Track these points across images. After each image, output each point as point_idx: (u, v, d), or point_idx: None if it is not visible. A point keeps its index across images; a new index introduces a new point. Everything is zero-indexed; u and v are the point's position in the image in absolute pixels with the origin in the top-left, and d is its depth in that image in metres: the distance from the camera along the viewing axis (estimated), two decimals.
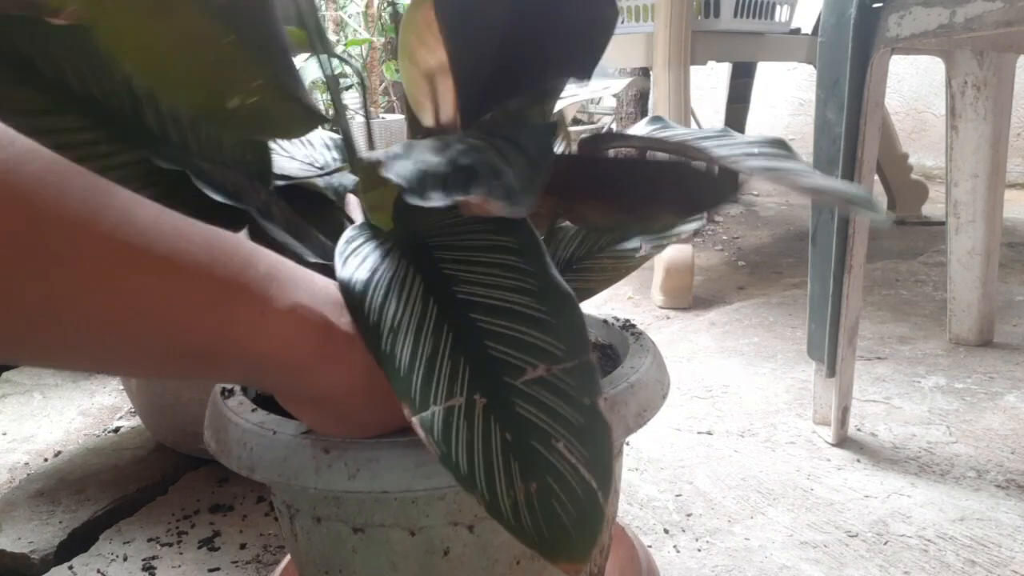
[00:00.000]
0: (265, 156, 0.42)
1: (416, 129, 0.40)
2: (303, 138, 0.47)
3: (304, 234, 0.41)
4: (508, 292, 0.32)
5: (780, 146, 0.36)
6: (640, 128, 0.42)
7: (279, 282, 0.32)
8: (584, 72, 0.37)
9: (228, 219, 0.37)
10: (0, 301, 0.25)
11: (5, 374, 1.12)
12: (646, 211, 0.40)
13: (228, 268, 0.31)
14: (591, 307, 0.57)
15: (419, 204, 0.26)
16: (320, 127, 0.40)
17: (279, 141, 0.46)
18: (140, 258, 0.28)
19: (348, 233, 0.36)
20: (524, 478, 0.28)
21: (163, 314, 0.29)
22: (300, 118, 0.38)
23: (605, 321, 0.53)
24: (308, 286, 0.33)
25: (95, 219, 0.27)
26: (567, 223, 0.47)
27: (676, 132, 0.41)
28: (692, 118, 1.75)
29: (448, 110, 0.39)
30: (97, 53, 0.36)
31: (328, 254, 0.37)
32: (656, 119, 0.42)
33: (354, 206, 0.46)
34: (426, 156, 0.28)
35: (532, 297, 0.31)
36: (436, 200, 0.26)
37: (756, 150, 0.35)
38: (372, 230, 0.37)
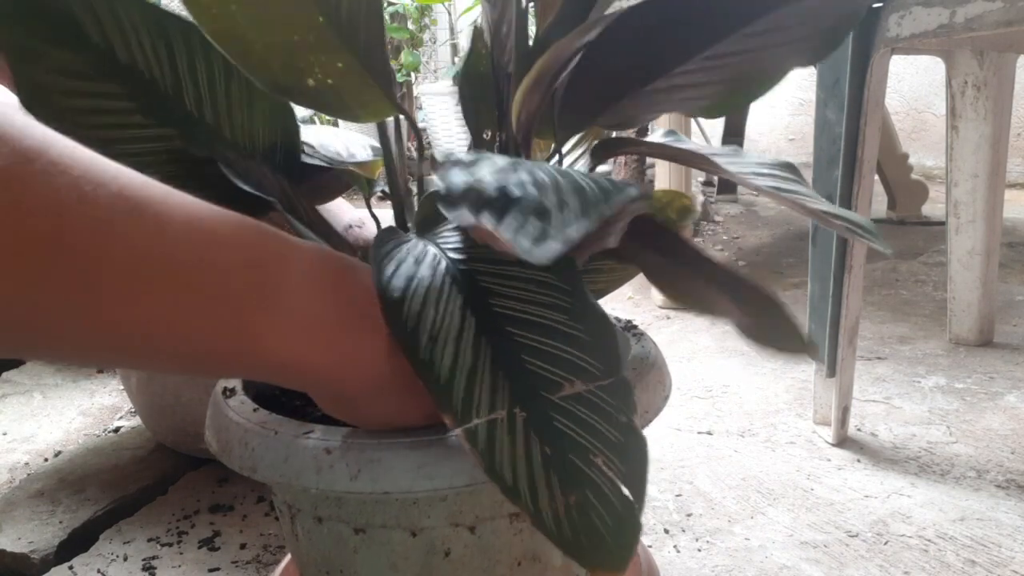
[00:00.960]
0: (296, 144, 0.42)
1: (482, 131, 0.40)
2: (341, 138, 0.47)
3: (324, 231, 0.41)
4: (544, 308, 0.32)
5: (788, 169, 0.36)
6: (656, 137, 0.43)
7: (311, 281, 0.32)
8: (718, 109, 0.37)
9: (250, 207, 0.37)
10: (22, 306, 0.25)
11: (5, 374, 1.12)
12: (705, 304, 0.40)
13: (259, 273, 0.31)
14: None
15: (444, 212, 0.26)
16: (393, 116, 0.40)
17: (315, 139, 0.46)
18: (166, 269, 0.28)
19: (379, 235, 0.36)
20: (564, 490, 0.28)
21: (185, 324, 0.29)
22: (374, 104, 0.38)
23: None
24: (344, 281, 0.34)
25: (123, 230, 0.27)
26: None
27: (688, 145, 0.41)
28: (692, 118, 1.74)
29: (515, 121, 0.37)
30: (151, 26, 0.36)
31: (343, 251, 0.37)
32: (670, 132, 0.43)
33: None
34: (483, 173, 0.27)
35: (567, 314, 0.31)
36: (460, 218, 0.26)
37: (765, 171, 0.35)
38: (403, 234, 0.38)
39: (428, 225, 0.38)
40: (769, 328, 0.36)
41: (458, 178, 0.27)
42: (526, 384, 0.30)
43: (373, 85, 0.37)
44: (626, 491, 0.28)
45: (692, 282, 0.36)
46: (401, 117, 0.41)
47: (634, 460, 0.29)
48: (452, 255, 0.35)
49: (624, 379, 0.30)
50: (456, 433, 0.29)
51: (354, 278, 0.34)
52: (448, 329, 0.31)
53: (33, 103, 0.35)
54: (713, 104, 0.38)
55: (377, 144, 0.46)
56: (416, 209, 0.42)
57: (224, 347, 0.30)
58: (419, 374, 0.31)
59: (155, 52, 0.37)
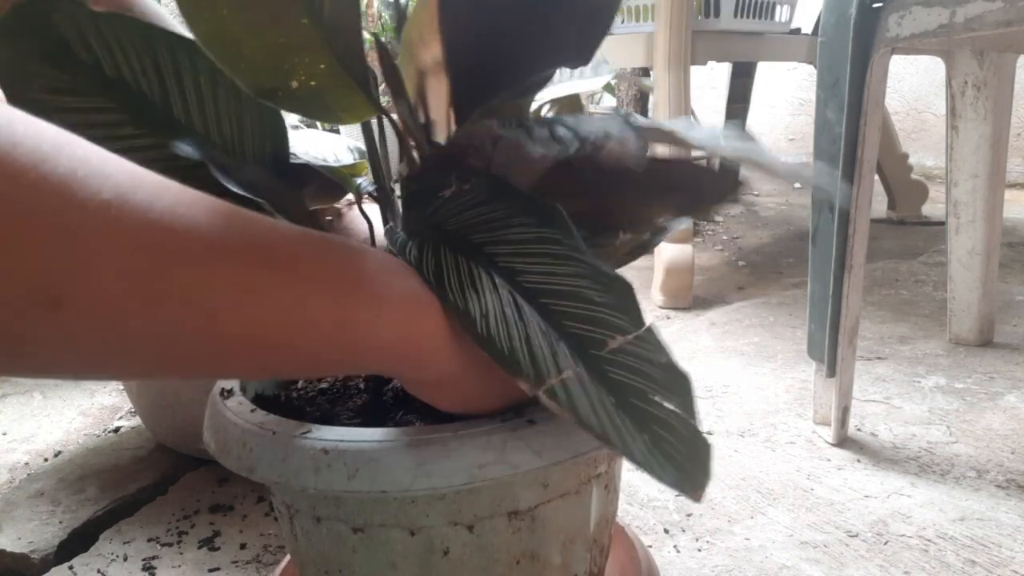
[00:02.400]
0: (285, 149, 0.43)
1: (410, 127, 0.40)
2: (327, 142, 0.47)
3: (318, 229, 0.41)
4: (566, 277, 0.34)
5: (742, 133, 0.37)
6: None
7: (381, 270, 0.34)
8: (583, 59, 0.38)
9: (258, 209, 0.37)
10: (148, 339, 0.27)
11: None
12: (646, 210, 0.40)
13: (340, 266, 0.32)
14: None
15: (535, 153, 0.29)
16: (375, 117, 0.41)
17: (302, 144, 0.46)
18: (269, 265, 0.29)
19: (386, 234, 0.37)
20: (638, 430, 0.31)
21: (294, 319, 0.30)
22: (356, 106, 0.39)
23: None
24: (405, 271, 0.35)
25: (223, 242, 0.28)
26: None
27: (643, 121, 0.41)
28: (692, 118, 1.74)
29: (441, 108, 0.39)
30: (136, 41, 0.37)
31: None
32: (625, 114, 0.43)
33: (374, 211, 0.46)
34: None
35: (587, 280, 0.33)
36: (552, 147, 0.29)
37: (722, 138, 0.36)
38: (405, 233, 0.38)
39: (414, 225, 0.39)
40: None
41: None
42: (575, 345, 0.33)
43: (354, 87, 0.38)
44: (687, 417, 0.32)
45: None
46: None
47: (684, 390, 0.32)
48: (462, 242, 0.36)
49: (651, 328, 0.33)
50: (539, 394, 0.31)
51: (402, 266, 0.36)
52: (493, 307, 0.33)
53: None
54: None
55: (361, 146, 0.46)
56: (400, 210, 0.42)
57: (330, 337, 0.31)
58: (484, 349, 0.33)
59: (141, 65, 0.38)
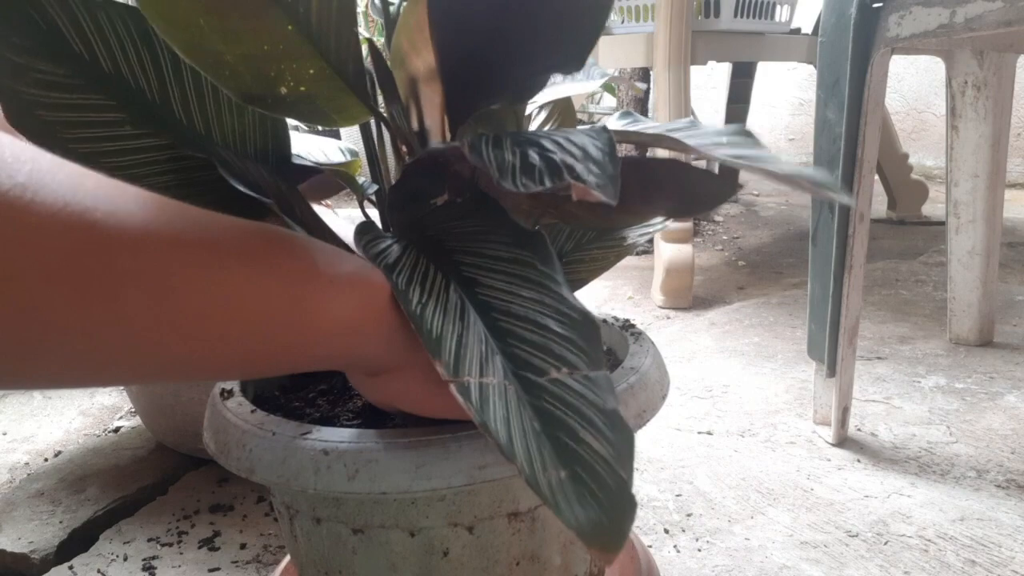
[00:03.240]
0: (286, 148, 0.42)
1: (403, 132, 0.40)
2: (315, 142, 0.47)
3: (320, 228, 0.41)
4: (528, 301, 0.32)
5: (746, 135, 0.36)
6: (612, 123, 0.42)
7: (329, 256, 0.33)
8: (574, 64, 0.37)
9: (249, 210, 0.37)
10: (79, 331, 0.25)
11: None
12: (642, 212, 0.40)
13: (289, 251, 0.32)
14: (590, 307, 0.57)
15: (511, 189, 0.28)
16: (370, 120, 0.40)
17: (298, 145, 0.46)
18: (206, 256, 0.28)
19: (359, 227, 0.37)
20: (557, 463, 0.28)
21: (245, 303, 0.29)
22: (349, 108, 0.39)
23: (604, 321, 0.53)
24: (354, 257, 0.35)
25: (162, 231, 0.27)
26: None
27: (648, 125, 0.40)
28: (693, 118, 1.74)
29: (435, 114, 0.38)
30: (133, 33, 0.36)
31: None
32: (626, 114, 0.42)
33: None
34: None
35: (550, 308, 0.32)
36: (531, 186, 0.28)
37: (724, 139, 0.35)
38: (379, 230, 0.38)
39: (397, 227, 0.39)
40: None
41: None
42: (513, 363, 0.31)
43: (347, 90, 0.37)
44: (618, 469, 0.28)
45: None
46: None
47: (622, 441, 0.29)
48: (433, 244, 0.36)
49: (607, 375, 0.31)
50: (449, 381, 0.29)
51: (352, 255, 0.35)
52: (436, 302, 0.32)
53: (19, 119, 0.34)
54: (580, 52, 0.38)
55: (351, 146, 0.46)
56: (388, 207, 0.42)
57: (284, 318, 0.31)
58: (412, 323, 0.31)
59: (139, 60, 0.36)
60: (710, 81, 2.91)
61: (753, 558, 0.64)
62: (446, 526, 0.38)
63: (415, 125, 0.39)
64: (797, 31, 1.81)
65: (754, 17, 1.52)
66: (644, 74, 1.95)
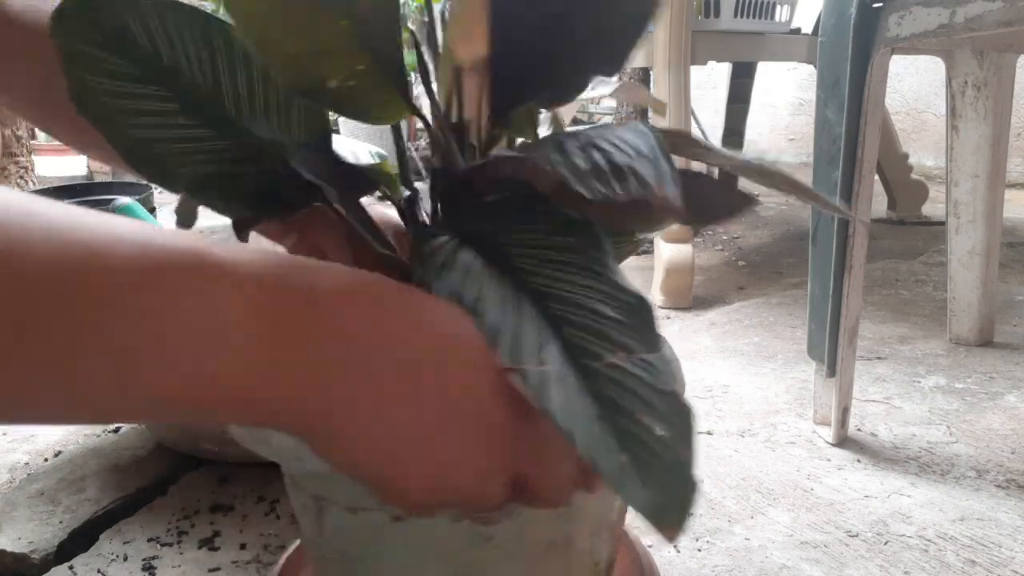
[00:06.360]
0: (330, 145, 0.43)
1: (444, 127, 0.40)
2: (347, 144, 0.48)
3: (367, 221, 0.41)
4: (582, 288, 0.33)
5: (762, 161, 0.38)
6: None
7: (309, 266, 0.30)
8: (617, 65, 0.38)
9: (292, 198, 0.39)
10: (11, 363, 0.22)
11: None
12: (659, 221, 0.41)
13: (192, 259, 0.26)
14: None
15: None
16: (409, 117, 0.41)
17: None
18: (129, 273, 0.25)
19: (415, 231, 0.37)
20: (618, 448, 0.29)
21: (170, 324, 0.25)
22: (391, 106, 0.39)
23: None
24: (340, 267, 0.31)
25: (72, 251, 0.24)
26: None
27: (694, 143, 0.41)
28: (692, 118, 1.75)
29: (475, 109, 0.39)
30: (195, 33, 0.38)
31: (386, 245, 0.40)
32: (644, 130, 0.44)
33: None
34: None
35: (604, 294, 0.32)
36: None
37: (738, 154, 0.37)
38: (436, 229, 0.39)
39: (446, 224, 0.39)
40: None
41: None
42: (569, 351, 0.31)
43: (390, 86, 0.38)
44: (679, 451, 0.29)
45: None
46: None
47: (682, 423, 0.29)
48: (484, 238, 0.36)
49: (665, 355, 0.31)
50: (507, 367, 0.29)
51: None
52: (491, 295, 0.32)
53: (83, 103, 0.37)
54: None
55: (380, 150, 0.47)
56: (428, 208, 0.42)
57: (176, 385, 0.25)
58: (474, 317, 0.31)
59: (199, 57, 0.38)
60: (710, 81, 2.91)
61: (753, 558, 0.64)
62: (492, 510, 0.39)
63: (454, 118, 0.40)
64: (797, 31, 1.81)
65: (754, 17, 1.52)
66: (644, 74, 1.95)
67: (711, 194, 0.38)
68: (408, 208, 0.43)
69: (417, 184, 0.43)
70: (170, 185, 0.40)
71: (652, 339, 0.31)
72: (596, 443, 0.28)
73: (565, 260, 0.33)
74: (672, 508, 0.27)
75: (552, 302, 0.32)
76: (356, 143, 0.47)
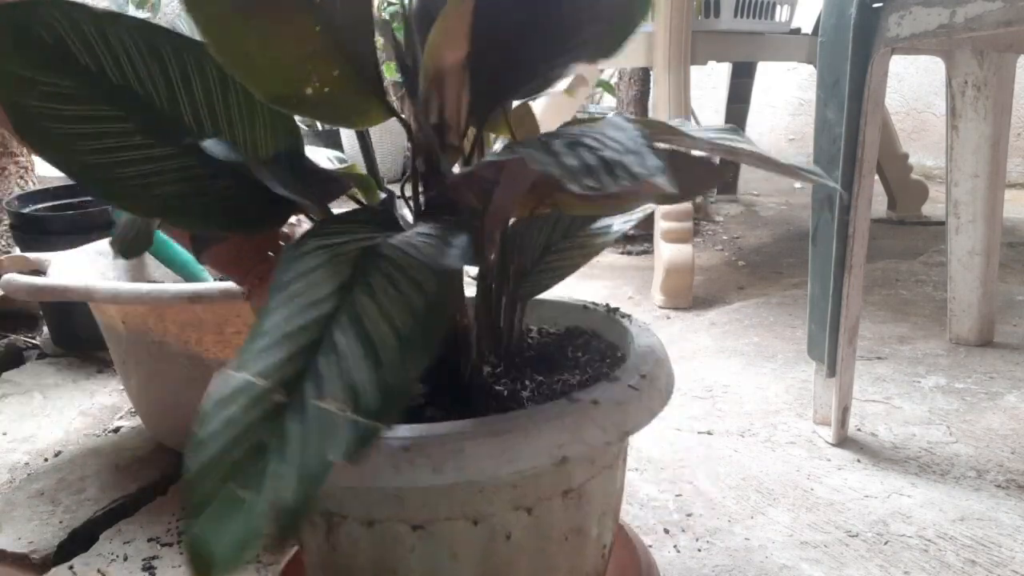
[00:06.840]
0: (300, 150, 0.42)
1: (423, 126, 0.40)
2: (311, 150, 0.47)
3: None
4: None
5: (732, 131, 0.38)
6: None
7: None
8: (609, 50, 0.38)
9: (268, 212, 0.38)
10: None
11: (5, 374, 1.12)
12: (632, 199, 0.41)
13: None
14: (588, 302, 0.57)
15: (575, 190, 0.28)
16: (390, 119, 0.41)
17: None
18: None
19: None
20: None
21: None
22: (370, 110, 0.39)
23: (585, 306, 0.55)
24: None
25: None
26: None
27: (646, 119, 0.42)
28: (692, 118, 1.75)
29: (455, 109, 0.39)
30: (141, 46, 0.36)
31: None
32: (617, 114, 0.44)
33: None
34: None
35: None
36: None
37: (712, 134, 0.37)
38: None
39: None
40: None
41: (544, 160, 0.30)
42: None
43: (368, 91, 0.38)
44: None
45: None
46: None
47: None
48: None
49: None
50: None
51: None
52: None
53: (24, 129, 0.34)
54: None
55: (339, 154, 0.47)
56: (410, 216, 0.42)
57: None
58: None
59: (148, 70, 0.37)
60: (710, 81, 2.91)
61: (753, 558, 0.64)
62: (510, 510, 0.39)
63: (433, 119, 0.40)
64: (797, 31, 1.81)
65: (754, 17, 1.52)
66: (644, 74, 1.95)
67: (687, 169, 0.39)
68: (385, 211, 0.43)
69: (389, 185, 0.43)
70: (138, 211, 0.39)
71: None
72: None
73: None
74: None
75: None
76: (316, 150, 0.48)
